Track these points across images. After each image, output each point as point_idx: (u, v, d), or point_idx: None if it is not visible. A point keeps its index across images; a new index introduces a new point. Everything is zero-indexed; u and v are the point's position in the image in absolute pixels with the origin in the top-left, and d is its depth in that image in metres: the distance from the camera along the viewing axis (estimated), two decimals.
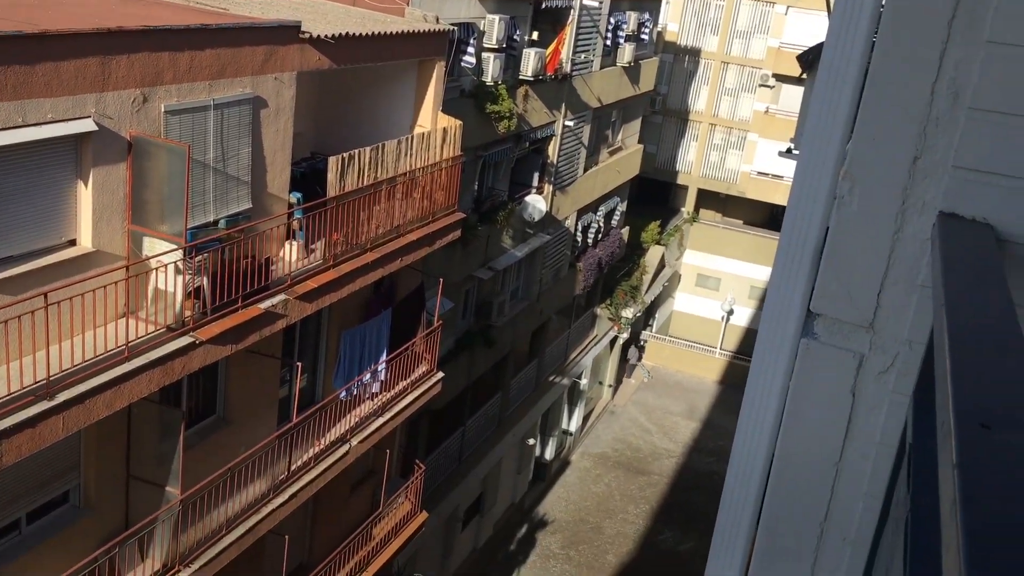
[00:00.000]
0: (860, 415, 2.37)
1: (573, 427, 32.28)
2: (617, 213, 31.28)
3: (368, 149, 13.24)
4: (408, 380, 16.21)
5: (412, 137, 14.30)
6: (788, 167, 34.54)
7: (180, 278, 10.31)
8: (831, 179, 2.52)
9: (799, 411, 2.49)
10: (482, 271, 21.55)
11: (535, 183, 23.97)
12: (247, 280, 11.18)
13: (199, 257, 10.46)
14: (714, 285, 40.16)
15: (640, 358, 38.33)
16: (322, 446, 14.11)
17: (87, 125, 9.47)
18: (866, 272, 2.28)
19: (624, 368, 37.35)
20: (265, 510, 12.80)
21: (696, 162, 39.77)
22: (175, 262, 10.24)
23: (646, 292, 35.12)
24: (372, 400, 15.42)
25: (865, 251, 2.27)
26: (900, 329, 2.27)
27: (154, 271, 10.25)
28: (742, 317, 39.77)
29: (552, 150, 24.24)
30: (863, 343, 2.32)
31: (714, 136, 39.47)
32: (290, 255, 12.52)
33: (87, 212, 9.89)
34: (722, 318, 39.62)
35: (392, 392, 15.79)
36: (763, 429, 2.79)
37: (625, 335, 34.72)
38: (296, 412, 13.40)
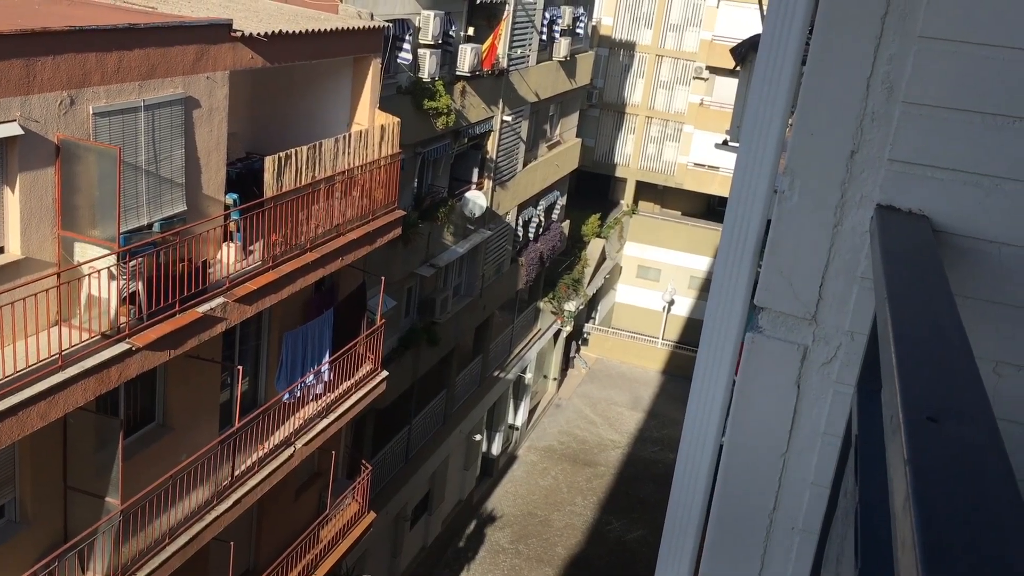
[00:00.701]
0: (805, 406, 2.41)
1: (519, 421, 32.37)
2: (557, 207, 31.44)
3: (305, 148, 13.09)
4: (352, 380, 16.09)
5: (350, 135, 14.17)
6: (724, 158, 35.03)
7: (114, 284, 10.07)
8: (771, 173, 2.55)
9: (745, 403, 2.51)
10: (424, 268, 21.48)
11: (475, 179, 23.96)
12: (184, 284, 10.97)
13: (133, 262, 10.23)
14: (654, 276, 40.58)
15: (578, 350, 38.59)
16: (266, 450, 13.93)
17: (12, 129, 9.18)
18: (808, 265, 2.31)
19: (568, 361, 37.57)
20: (209, 517, 12.59)
21: (634, 154, 40.12)
22: (108, 267, 9.99)
23: (588, 285, 35.36)
24: (316, 401, 15.27)
25: (806, 244, 2.30)
26: (842, 320, 2.31)
27: (87, 277, 9.99)
28: (683, 307, 40.27)
29: (491, 145, 24.24)
30: (806, 335, 2.35)
31: (651, 128, 39.84)
32: (228, 257, 12.32)
33: (15, 218, 9.60)
34: (663, 308, 40.05)
35: (336, 393, 15.66)
36: (710, 422, 2.82)
37: (568, 328, 34.91)
38: (238, 416, 13.20)
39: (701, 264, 39.48)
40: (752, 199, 2.55)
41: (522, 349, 31.15)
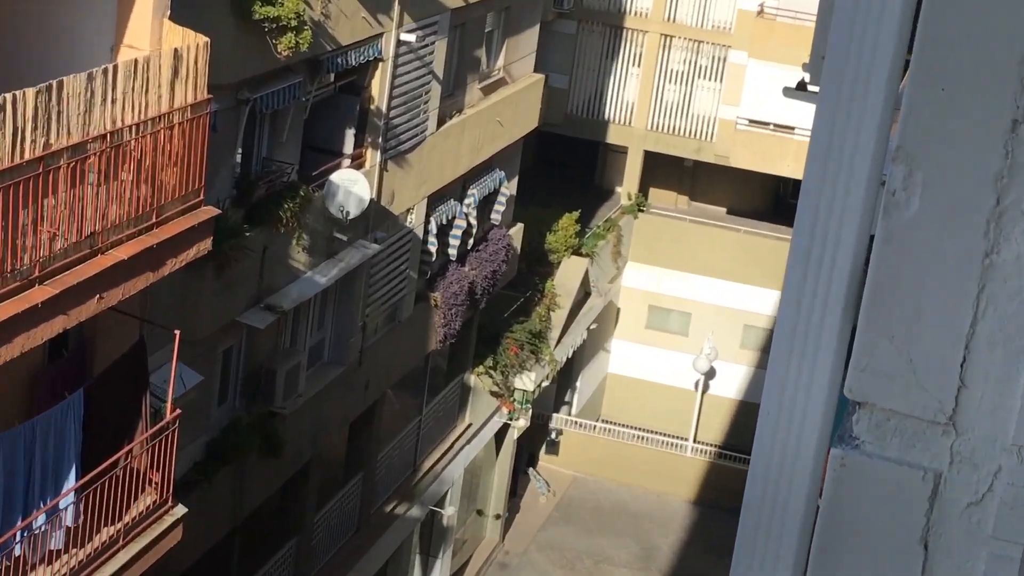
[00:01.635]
0: None
1: None
2: (501, 199, 31.52)
3: (31, 92, 13.02)
4: (121, 523, 15.92)
5: (116, 68, 14.12)
6: (802, 113, 35.46)
7: None
8: (874, 151, 2.57)
9: (832, 572, 2.52)
10: (254, 314, 21.36)
11: (349, 149, 23.93)
12: None
13: None
14: (679, 325, 40.79)
15: (533, 463, 38.53)
16: None
17: None
18: (939, 325, 2.33)
19: (521, 483, 37.53)
20: None
21: (640, 104, 40.43)
22: None
23: (558, 343, 35.39)
24: (53, 564, 15.08)
25: (936, 287, 2.32)
26: (1001, 426, 2.32)
27: None
28: (729, 382, 40.44)
29: (378, 88, 24.26)
30: (939, 453, 2.36)
31: (670, 57, 40.22)
32: None
33: None
34: (696, 384, 40.22)
35: (91, 547, 15.48)
36: None
37: (523, 422, 34.88)
38: None
39: (763, 304, 39.73)
40: (841, 200, 2.57)
41: (437, 462, 31.01)
